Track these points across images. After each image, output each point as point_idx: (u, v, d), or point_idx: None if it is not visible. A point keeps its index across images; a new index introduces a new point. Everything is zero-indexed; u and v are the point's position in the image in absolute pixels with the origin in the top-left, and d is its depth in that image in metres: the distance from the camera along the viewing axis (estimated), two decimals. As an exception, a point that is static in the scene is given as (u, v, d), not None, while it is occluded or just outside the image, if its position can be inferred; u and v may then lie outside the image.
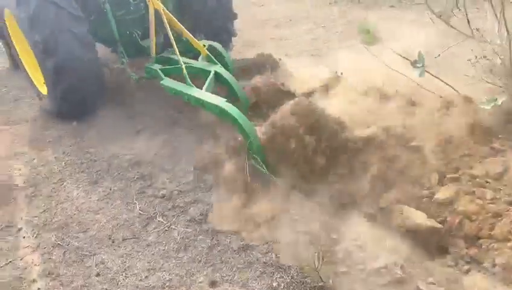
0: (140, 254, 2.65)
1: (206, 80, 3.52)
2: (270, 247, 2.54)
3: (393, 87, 3.24)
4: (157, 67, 3.91)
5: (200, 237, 2.71)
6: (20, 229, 2.94)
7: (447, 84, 3.04)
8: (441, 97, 3.00)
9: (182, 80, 3.57)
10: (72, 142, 3.98)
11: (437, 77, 3.07)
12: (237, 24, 5.13)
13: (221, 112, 3.10)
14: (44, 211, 3.10)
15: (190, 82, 3.50)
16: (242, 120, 2.95)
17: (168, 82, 3.69)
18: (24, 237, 2.85)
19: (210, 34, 4.53)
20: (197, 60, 3.94)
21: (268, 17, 6.94)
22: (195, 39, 3.97)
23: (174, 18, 3.92)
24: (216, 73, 3.63)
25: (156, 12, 3.81)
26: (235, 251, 2.58)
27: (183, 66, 3.55)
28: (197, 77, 3.62)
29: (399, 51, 3.15)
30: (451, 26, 3.05)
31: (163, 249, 2.66)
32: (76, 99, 4.07)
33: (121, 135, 3.93)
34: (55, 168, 3.60)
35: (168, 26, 3.72)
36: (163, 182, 3.26)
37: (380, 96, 3.23)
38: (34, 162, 3.72)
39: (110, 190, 3.25)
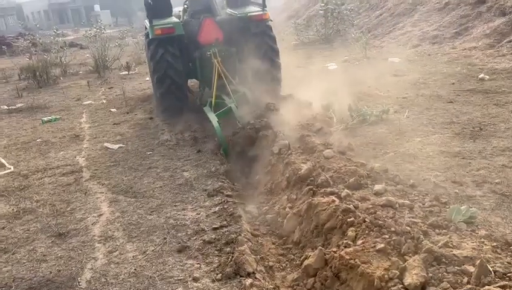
0: None
1: (225, 110, 5.81)
2: None
3: None
4: (208, 99, 6.27)
5: None
6: None
7: None
8: None
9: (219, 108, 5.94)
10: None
11: None
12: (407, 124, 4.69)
13: (213, 126, 5.43)
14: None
15: (211, 109, 5.89)
16: (218, 131, 5.31)
17: (205, 108, 6.01)
18: None
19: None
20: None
21: (450, 120, 5.50)
22: (228, 88, 6.09)
23: (226, 73, 6.28)
24: (231, 107, 5.77)
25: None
26: None
27: (213, 100, 6.04)
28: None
29: None
30: None
31: None
32: (168, 104, 6.81)
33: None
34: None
35: (224, 77, 6.20)
36: None
37: None
38: (111, 258, 3.37)
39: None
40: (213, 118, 5.49)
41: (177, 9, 8.01)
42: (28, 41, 17.89)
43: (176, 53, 6.66)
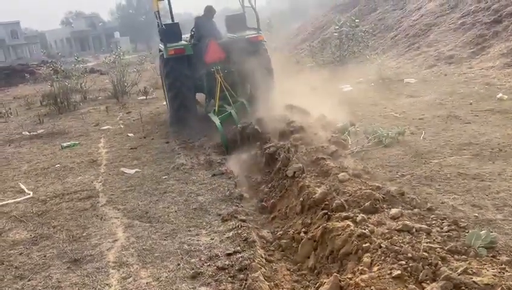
0: None
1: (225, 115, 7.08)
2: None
3: None
4: (213, 108, 7.58)
5: None
6: None
7: None
8: None
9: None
10: None
11: None
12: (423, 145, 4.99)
13: (216, 126, 6.70)
14: None
15: (214, 114, 7.14)
16: (220, 129, 6.61)
17: (210, 114, 7.35)
18: None
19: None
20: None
21: (468, 141, 5.41)
22: (230, 99, 7.48)
23: (228, 87, 7.58)
24: (230, 112, 7.06)
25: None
26: None
27: (216, 108, 7.40)
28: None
29: None
30: None
31: None
32: (180, 113, 7.93)
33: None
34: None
35: (225, 90, 7.52)
36: None
37: None
38: (125, 284, 3.36)
39: None
40: (216, 119, 6.85)
41: (185, 36, 9.07)
42: (50, 69, 18.45)
43: (185, 69, 7.91)
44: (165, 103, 11.46)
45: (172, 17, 10.64)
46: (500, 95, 7.40)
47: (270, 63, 8.23)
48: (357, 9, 20.21)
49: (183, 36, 8.79)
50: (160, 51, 8.89)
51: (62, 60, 24.31)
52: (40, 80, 20.66)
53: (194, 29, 8.74)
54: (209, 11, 8.67)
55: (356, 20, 14.75)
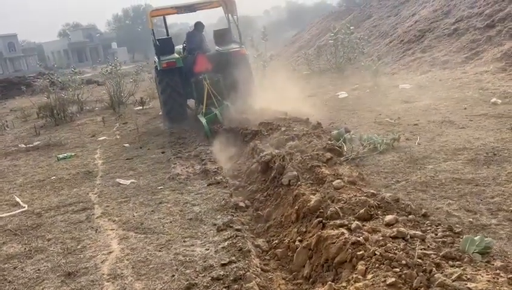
0: None
1: (211, 115, 8.49)
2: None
3: None
4: (201, 111, 9.01)
5: None
6: None
7: None
8: None
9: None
10: None
11: None
12: (418, 151, 4.91)
13: (203, 125, 8.12)
14: None
15: (202, 115, 8.53)
16: (206, 127, 8.05)
17: (198, 115, 8.79)
18: None
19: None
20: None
21: (463, 146, 5.42)
22: (216, 103, 8.86)
23: (214, 92, 8.88)
24: (215, 113, 8.43)
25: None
26: None
27: (203, 110, 8.84)
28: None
29: None
30: None
31: None
32: (173, 117, 9.20)
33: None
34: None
35: (212, 95, 8.87)
36: None
37: None
38: (121, 294, 3.33)
39: None
40: (202, 119, 8.26)
41: (179, 47, 10.45)
42: (47, 81, 18.47)
43: (177, 80, 9.14)
44: (161, 113, 11.49)
45: (167, 32, 12.21)
46: (494, 99, 7.43)
47: (251, 73, 9.50)
48: (352, 17, 20.37)
49: (176, 48, 10.09)
50: (155, 63, 9.92)
51: (59, 71, 24.34)
52: (37, 92, 20.67)
53: (185, 42, 9.91)
54: (199, 25, 9.86)
55: (351, 27, 14.86)
